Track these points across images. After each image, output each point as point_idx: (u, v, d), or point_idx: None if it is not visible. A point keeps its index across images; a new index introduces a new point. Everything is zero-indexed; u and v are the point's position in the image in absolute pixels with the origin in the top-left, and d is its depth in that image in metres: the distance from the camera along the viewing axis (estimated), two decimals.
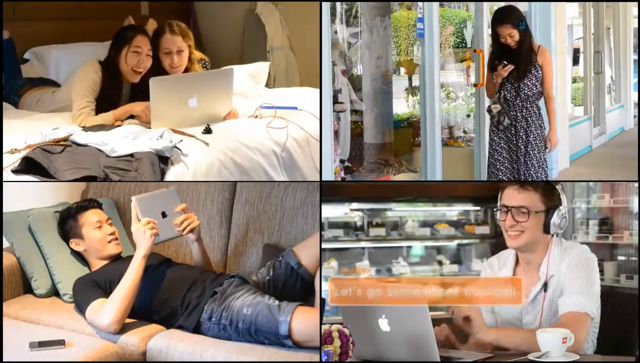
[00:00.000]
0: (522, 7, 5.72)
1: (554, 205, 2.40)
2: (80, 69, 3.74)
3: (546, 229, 2.41)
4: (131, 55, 3.66)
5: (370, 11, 4.66)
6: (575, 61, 8.13)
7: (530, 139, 3.89)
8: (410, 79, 6.08)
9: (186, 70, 3.88)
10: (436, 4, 4.57)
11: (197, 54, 4.02)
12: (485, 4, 5.10)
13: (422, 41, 4.55)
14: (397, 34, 5.31)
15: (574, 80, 7.97)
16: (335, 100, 4.07)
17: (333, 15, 4.18)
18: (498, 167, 3.99)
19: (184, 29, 3.86)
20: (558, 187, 2.41)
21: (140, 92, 3.72)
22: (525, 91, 3.87)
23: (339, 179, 4.09)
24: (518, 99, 3.89)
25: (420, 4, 4.54)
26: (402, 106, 5.85)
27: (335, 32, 4.27)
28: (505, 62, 3.85)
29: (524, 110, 3.90)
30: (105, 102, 3.65)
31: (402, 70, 5.84)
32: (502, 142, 3.96)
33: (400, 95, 5.66)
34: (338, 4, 4.34)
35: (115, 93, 3.72)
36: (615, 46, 8.32)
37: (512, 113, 3.90)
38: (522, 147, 3.91)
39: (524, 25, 3.84)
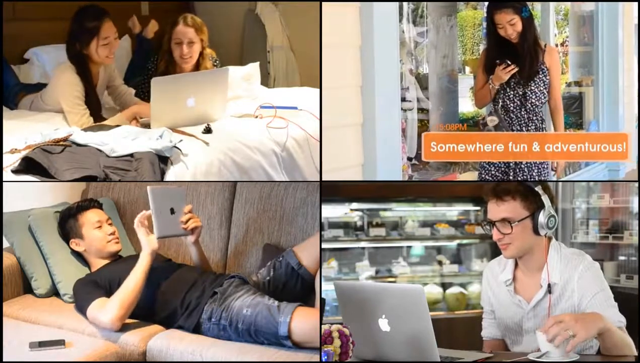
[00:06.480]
0: (588, 6, 5.68)
1: (537, 208, 2.32)
2: (59, 78, 3.66)
3: (536, 232, 2.34)
4: (102, 48, 3.59)
5: (437, 11, 4.64)
6: None
7: (537, 161, 3.27)
8: (475, 78, 6.05)
9: (197, 65, 3.94)
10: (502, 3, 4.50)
11: (209, 51, 4.06)
12: (552, 3, 5.04)
13: None
14: (462, 33, 5.28)
15: None
16: (403, 99, 4.03)
17: (400, 15, 4.17)
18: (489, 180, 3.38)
19: (198, 23, 3.95)
20: (537, 188, 2.33)
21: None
22: (533, 100, 3.25)
23: (407, 176, 4.00)
24: (523, 109, 3.27)
25: (486, 3, 4.49)
26: (467, 105, 5.82)
27: (403, 32, 4.27)
28: (508, 62, 3.18)
29: (530, 124, 3.27)
30: (88, 96, 3.63)
31: (467, 69, 5.80)
32: (497, 162, 3.32)
33: (466, 94, 5.63)
34: (405, 4, 4.34)
35: (92, 84, 3.69)
36: None
37: (514, 127, 3.26)
38: (525, 169, 3.31)
39: (528, 13, 3.16)
